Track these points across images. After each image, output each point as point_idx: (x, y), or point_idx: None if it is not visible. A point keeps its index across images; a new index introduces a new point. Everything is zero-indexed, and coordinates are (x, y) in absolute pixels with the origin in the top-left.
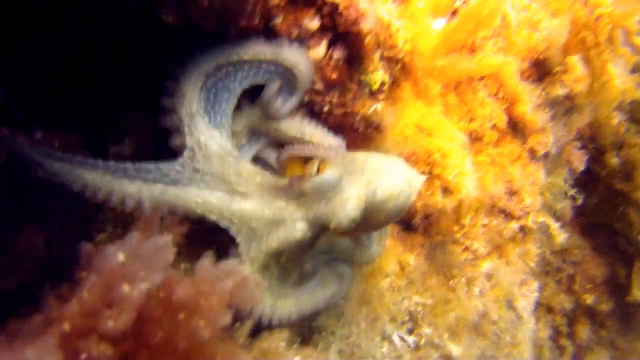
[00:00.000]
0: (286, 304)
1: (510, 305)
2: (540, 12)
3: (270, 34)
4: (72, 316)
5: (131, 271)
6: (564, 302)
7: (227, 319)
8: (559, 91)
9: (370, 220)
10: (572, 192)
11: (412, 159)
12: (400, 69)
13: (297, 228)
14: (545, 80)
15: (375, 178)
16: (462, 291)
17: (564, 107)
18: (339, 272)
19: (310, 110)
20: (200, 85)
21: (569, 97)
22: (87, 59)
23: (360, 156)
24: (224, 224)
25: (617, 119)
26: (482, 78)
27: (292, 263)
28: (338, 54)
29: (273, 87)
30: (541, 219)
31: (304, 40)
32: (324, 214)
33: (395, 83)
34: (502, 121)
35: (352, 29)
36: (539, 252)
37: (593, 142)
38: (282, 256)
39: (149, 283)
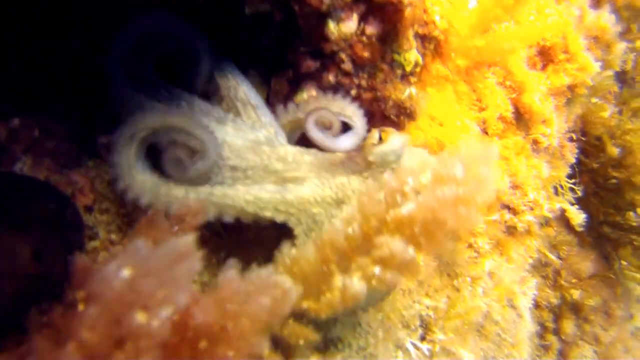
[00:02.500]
0: None
1: (512, 304)
2: None
3: (295, 1)
4: None
5: (145, 292)
6: (550, 297)
7: (262, 346)
8: (563, 80)
9: None
10: (570, 183)
11: None
12: (434, 49)
13: None
14: (548, 69)
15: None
16: (466, 291)
17: (565, 98)
18: None
19: (335, 94)
20: None
21: (570, 87)
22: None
23: None
24: (280, 218)
25: (609, 110)
26: (490, 65)
27: None
28: (372, 28)
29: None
30: (557, 204)
31: (335, 10)
32: None
33: (425, 65)
34: (508, 111)
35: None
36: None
37: (584, 134)
38: None
39: (173, 307)
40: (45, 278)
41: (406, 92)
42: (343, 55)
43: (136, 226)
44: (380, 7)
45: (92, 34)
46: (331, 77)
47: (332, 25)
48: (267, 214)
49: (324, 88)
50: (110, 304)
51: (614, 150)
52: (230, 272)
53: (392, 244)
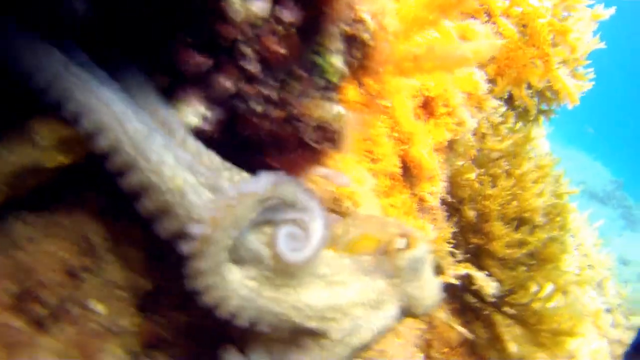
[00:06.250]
0: None
1: None
2: None
3: None
4: None
5: None
6: None
7: None
8: (445, 136)
9: None
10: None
11: None
12: (362, 56)
13: (393, 314)
14: (430, 122)
15: None
16: None
17: (445, 155)
18: None
19: (232, 110)
20: None
21: (450, 144)
22: None
23: None
24: (324, 326)
25: (474, 172)
26: (384, 113)
27: None
28: (290, 15)
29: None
30: (463, 270)
31: None
32: (413, 297)
33: (347, 80)
34: (397, 166)
35: None
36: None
37: (452, 196)
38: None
39: None
40: None
41: (333, 111)
42: (248, 50)
43: None
44: None
45: None
46: (228, 83)
47: (236, 1)
48: (312, 324)
49: (215, 99)
50: None
51: (471, 214)
52: None
53: None
